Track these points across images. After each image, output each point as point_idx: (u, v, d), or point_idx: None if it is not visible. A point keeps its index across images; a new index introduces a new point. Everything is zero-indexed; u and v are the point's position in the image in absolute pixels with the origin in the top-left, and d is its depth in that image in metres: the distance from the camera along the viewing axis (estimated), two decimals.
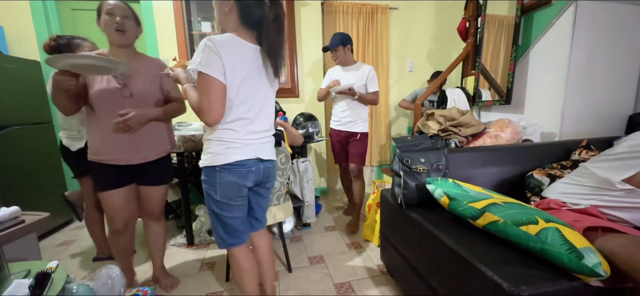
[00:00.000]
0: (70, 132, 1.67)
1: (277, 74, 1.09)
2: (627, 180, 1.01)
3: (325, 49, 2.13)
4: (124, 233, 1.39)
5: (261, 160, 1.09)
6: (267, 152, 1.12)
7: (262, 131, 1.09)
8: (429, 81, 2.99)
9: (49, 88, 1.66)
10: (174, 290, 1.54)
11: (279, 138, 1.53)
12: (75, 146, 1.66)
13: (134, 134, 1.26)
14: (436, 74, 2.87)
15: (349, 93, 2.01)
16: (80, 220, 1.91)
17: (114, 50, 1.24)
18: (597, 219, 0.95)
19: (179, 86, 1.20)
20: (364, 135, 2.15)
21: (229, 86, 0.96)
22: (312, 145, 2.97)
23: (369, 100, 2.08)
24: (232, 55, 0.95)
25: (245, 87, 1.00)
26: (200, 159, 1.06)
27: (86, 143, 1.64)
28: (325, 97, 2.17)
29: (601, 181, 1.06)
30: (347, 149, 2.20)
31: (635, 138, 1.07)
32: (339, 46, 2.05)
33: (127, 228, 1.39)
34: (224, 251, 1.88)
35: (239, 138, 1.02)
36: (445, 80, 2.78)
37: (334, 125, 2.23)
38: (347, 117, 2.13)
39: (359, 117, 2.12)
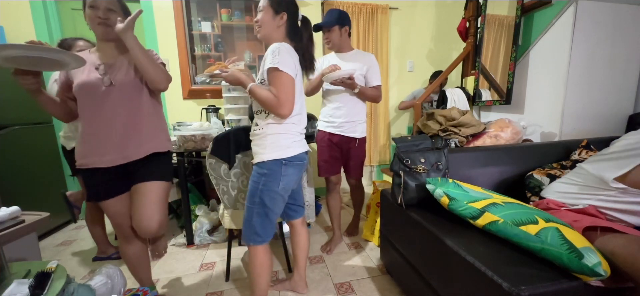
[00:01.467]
0: (66, 131, 1.73)
1: (311, 71, 1.28)
2: (621, 179, 1.00)
3: (317, 28, 1.60)
4: (135, 239, 1.27)
5: (307, 153, 1.24)
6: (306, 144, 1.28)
7: (304, 127, 1.25)
8: (430, 81, 2.99)
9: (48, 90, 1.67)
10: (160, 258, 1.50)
11: None
12: (69, 145, 1.73)
13: (118, 131, 1.11)
14: (436, 74, 2.87)
15: (348, 84, 1.60)
16: (75, 221, 1.92)
17: (101, 45, 1.15)
18: (596, 219, 0.95)
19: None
20: (364, 141, 1.82)
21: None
22: (312, 145, 2.97)
23: (372, 95, 1.71)
24: (295, 59, 1.13)
25: (299, 86, 1.17)
26: (250, 154, 1.21)
27: None
28: (315, 89, 1.71)
29: (595, 180, 1.06)
30: (340, 157, 1.82)
31: (628, 138, 1.07)
32: (334, 26, 1.66)
33: (135, 236, 1.26)
34: (224, 251, 1.88)
35: (299, 131, 1.18)
36: (446, 80, 2.78)
37: (323, 126, 1.79)
38: (343, 117, 1.72)
39: (358, 117, 1.74)
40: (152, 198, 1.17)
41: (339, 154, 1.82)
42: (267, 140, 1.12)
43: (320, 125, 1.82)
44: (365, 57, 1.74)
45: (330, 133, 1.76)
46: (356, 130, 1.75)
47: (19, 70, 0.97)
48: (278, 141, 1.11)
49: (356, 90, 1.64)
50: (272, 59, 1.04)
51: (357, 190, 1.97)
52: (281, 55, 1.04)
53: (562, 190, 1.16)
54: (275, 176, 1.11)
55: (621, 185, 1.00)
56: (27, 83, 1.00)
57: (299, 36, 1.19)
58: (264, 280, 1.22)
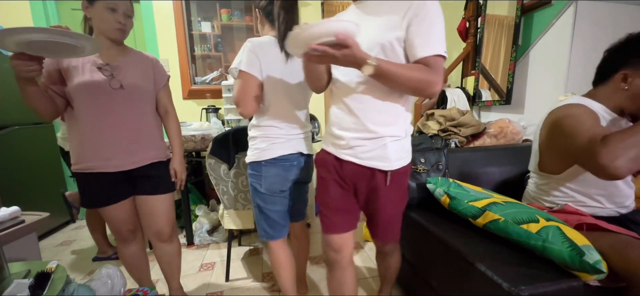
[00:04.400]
0: (63, 133, 1.73)
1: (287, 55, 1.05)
2: (541, 170, 1.04)
3: None
4: (133, 241, 1.26)
5: (301, 154, 1.16)
6: (305, 146, 1.18)
7: (300, 127, 1.17)
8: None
9: None
10: None
11: None
12: (67, 146, 1.70)
13: (126, 135, 1.09)
14: None
15: (338, 57, 0.72)
16: (73, 221, 1.91)
17: (104, 42, 1.07)
18: (581, 216, 0.95)
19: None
20: (404, 175, 0.93)
21: None
22: (312, 145, 2.96)
23: (411, 82, 0.76)
24: (270, 55, 1.04)
25: (281, 85, 1.09)
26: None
27: None
28: (315, 80, 0.95)
29: (537, 176, 1.09)
30: (356, 205, 0.98)
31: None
32: None
33: (135, 237, 1.26)
34: (224, 251, 1.88)
35: (283, 133, 1.11)
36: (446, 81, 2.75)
37: (328, 145, 0.97)
38: (360, 130, 0.87)
39: (390, 127, 0.86)
40: (163, 210, 1.22)
41: (352, 198, 0.97)
42: (250, 142, 1.14)
43: (324, 143, 1.01)
44: (400, 3, 0.79)
45: (335, 158, 0.93)
46: (388, 154, 0.85)
47: (23, 54, 0.86)
48: (256, 144, 1.11)
49: (367, 72, 0.73)
50: (236, 58, 1.04)
51: (392, 256, 1.15)
52: (244, 53, 1.02)
53: (533, 195, 1.15)
54: (257, 177, 1.12)
55: (546, 174, 1.02)
56: (29, 70, 0.89)
57: (273, 15, 1.04)
58: (285, 275, 1.21)
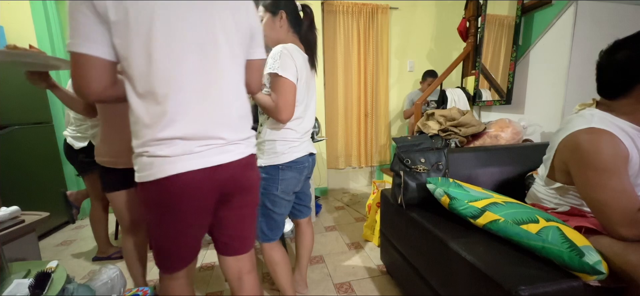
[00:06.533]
0: (74, 131, 1.71)
1: (314, 66, 1.19)
2: (552, 178, 1.02)
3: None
4: (135, 235, 1.29)
5: (310, 155, 1.22)
6: (312, 146, 1.25)
7: (310, 128, 1.23)
8: (421, 82, 2.96)
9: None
10: None
11: None
12: (78, 145, 1.71)
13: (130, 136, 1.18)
14: (429, 73, 2.85)
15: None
16: (73, 222, 1.92)
17: None
18: (582, 219, 0.95)
19: None
20: (141, 196, 0.82)
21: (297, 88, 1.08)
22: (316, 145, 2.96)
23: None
24: (299, 59, 1.08)
25: (303, 87, 1.13)
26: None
27: (89, 142, 1.67)
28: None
29: (544, 180, 1.08)
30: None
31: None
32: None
33: (137, 231, 1.29)
34: None
35: (297, 136, 1.15)
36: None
37: None
38: None
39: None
40: None
41: None
42: (265, 145, 1.13)
43: None
44: None
45: None
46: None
47: (28, 71, 0.99)
48: (274, 147, 1.11)
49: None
50: (272, 64, 1.03)
51: None
52: (282, 59, 1.02)
53: (537, 195, 1.15)
54: (274, 180, 1.12)
55: (557, 184, 1.00)
56: (36, 83, 1.02)
57: (301, 26, 1.15)
58: (281, 273, 1.23)
